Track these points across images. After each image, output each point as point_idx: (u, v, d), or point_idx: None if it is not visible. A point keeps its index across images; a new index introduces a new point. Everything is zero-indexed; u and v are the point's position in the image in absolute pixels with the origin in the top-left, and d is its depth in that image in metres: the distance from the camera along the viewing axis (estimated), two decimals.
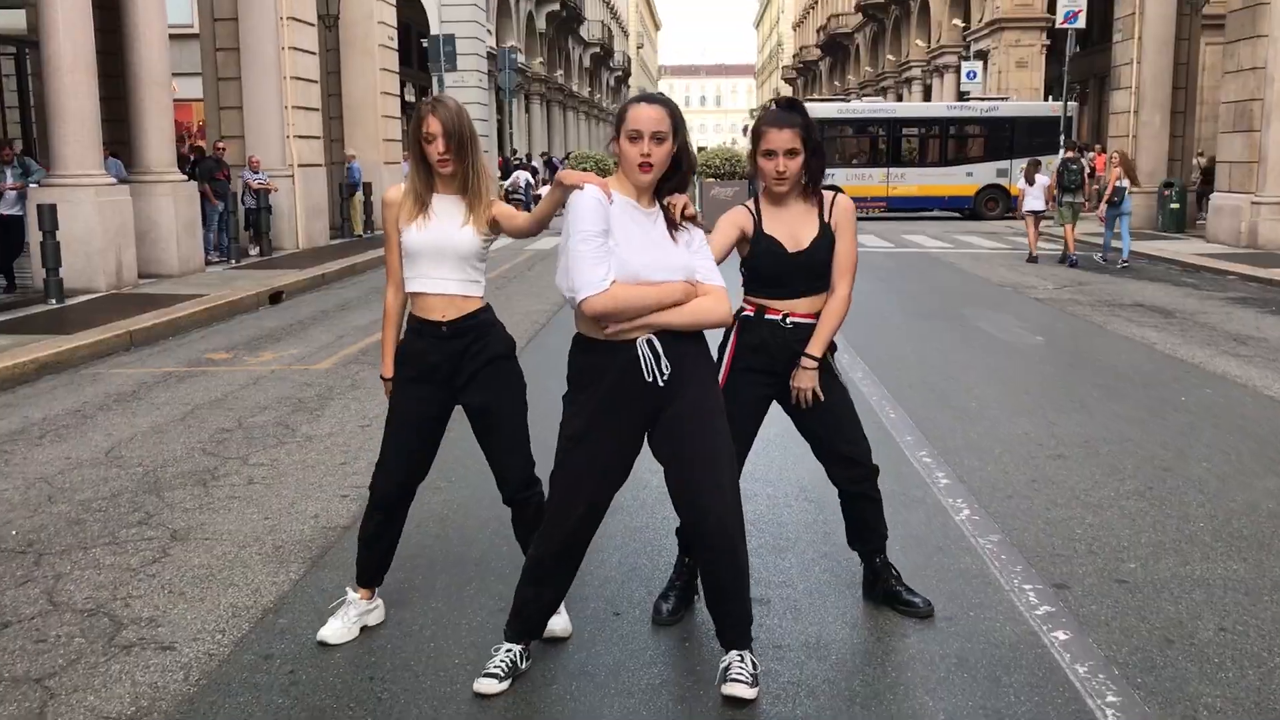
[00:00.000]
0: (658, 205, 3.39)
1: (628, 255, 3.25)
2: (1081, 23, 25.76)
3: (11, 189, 13.05)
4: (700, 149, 32.39)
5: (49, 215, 12.09)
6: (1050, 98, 37.97)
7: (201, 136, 21.29)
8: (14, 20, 21.39)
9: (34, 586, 4.49)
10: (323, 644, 3.87)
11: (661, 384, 3.29)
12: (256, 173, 17.63)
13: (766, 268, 3.83)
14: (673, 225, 3.36)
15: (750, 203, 3.93)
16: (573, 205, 3.28)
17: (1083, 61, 37.45)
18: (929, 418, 7.12)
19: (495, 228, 3.80)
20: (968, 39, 40.28)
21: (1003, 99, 31.89)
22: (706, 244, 3.45)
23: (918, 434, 6.70)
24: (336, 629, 3.91)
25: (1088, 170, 20.61)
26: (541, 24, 48.00)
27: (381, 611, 4.06)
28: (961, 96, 35.26)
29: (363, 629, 3.97)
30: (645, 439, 3.45)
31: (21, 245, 13.47)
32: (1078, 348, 10.10)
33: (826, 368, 3.88)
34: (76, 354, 9.69)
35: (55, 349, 9.53)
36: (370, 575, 4.03)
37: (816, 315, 3.84)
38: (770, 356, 3.86)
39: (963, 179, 29.54)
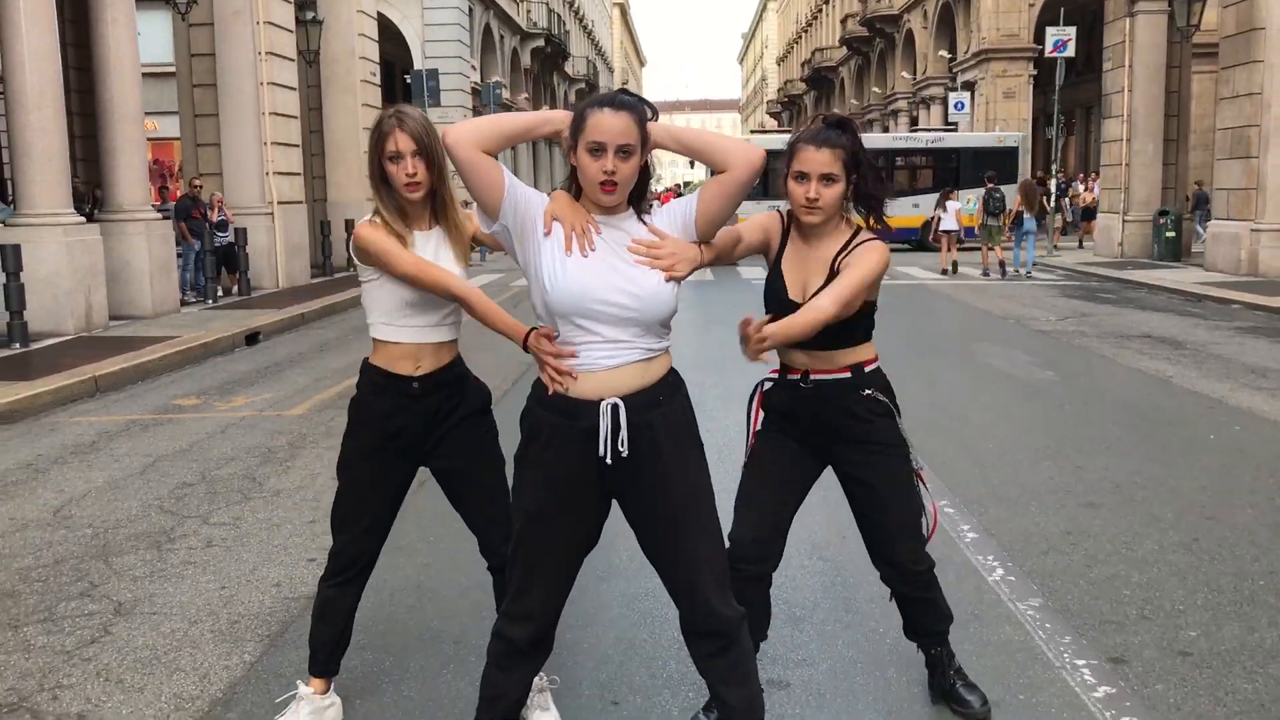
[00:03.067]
0: (629, 211, 2.82)
1: (578, 273, 2.69)
2: (1070, 51, 25.52)
3: None
4: (686, 184, 32.08)
5: (13, 255, 11.59)
6: (1038, 127, 37.89)
7: (177, 178, 20.85)
8: None
9: None
10: None
11: (609, 461, 2.71)
12: (217, 209, 17.06)
13: (769, 307, 3.26)
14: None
15: (787, 215, 3.33)
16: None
17: (1069, 92, 37.35)
18: (947, 463, 6.63)
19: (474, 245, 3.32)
20: (954, 70, 40.16)
21: (949, 129, 31.79)
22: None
23: (937, 482, 6.18)
24: None
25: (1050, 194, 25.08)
26: (526, 59, 47.82)
27: (339, 710, 3.49)
28: (951, 127, 35.09)
29: None
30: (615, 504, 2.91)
31: None
32: (1092, 383, 9.64)
33: (891, 441, 3.28)
34: (37, 401, 9.14)
35: (13, 396, 8.99)
36: (325, 657, 3.44)
37: (844, 369, 3.24)
38: (799, 425, 3.30)
39: (909, 210, 29.31)
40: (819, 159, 3.07)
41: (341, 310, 16.55)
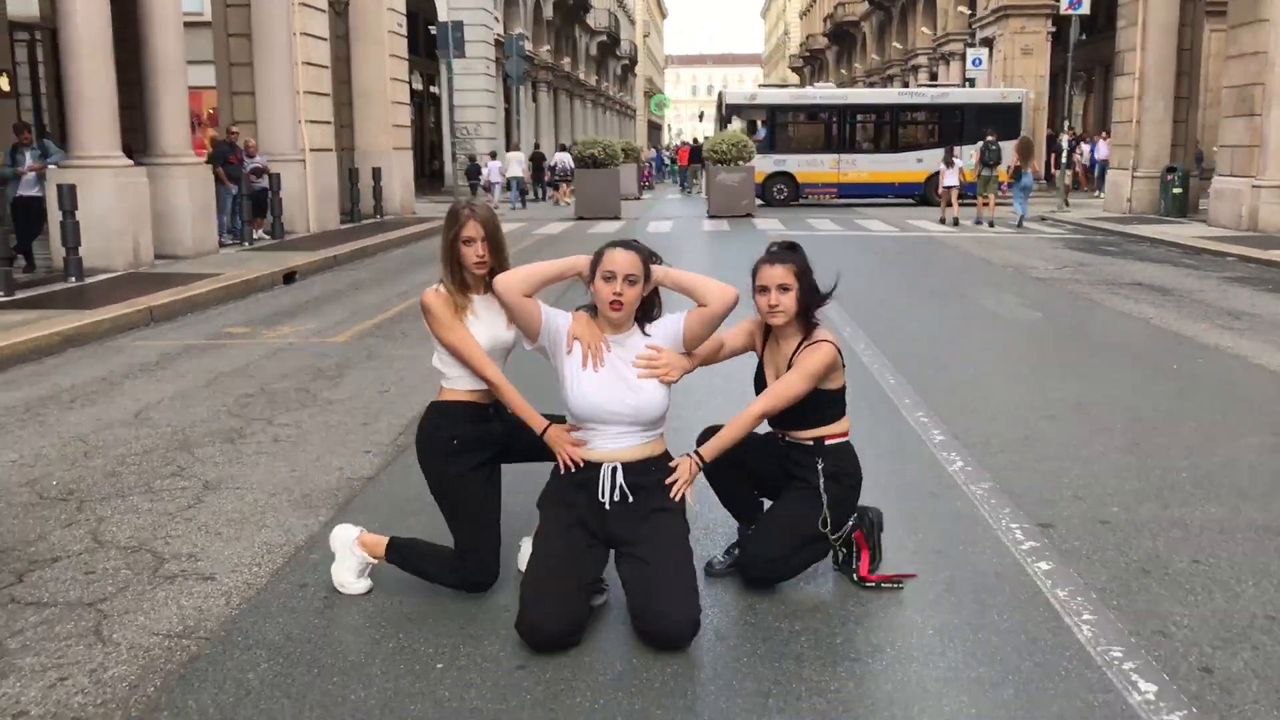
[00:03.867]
0: (634, 328, 3.74)
1: (589, 386, 3.62)
2: (1086, 8, 25.86)
3: (31, 170, 13.31)
4: (706, 137, 32.58)
5: (69, 195, 12.35)
6: (1057, 84, 38.13)
7: (213, 123, 21.52)
8: (28, 8, 21.68)
9: (79, 528, 4.77)
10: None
11: (608, 506, 3.60)
12: (252, 157, 17.79)
13: (756, 389, 4.08)
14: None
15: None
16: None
17: (1089, 49, 37.59)
18: (928, 384, 7.37)
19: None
20: (974, 26, 40.40)
21: (954, 86, 32.25)
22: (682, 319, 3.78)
23: (915, 397, 6.95)
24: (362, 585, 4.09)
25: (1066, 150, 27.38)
26: (549, 12, 48.16)
27: (368, 578, 4.10)
28: (969, 84, 35.47)
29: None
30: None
31: (41, 226, 13.73)
32: (1075, 322, 10.35)
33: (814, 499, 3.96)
34: (99, 327, 9.97)
35: (78, 322, 9.82)
36: (393, 553, 4.04)
37: (813, 440, 3.98)
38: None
39: (913, 165, 29.90)
40: (774, 273, 3.88)
41: (371, 254, 17.33)
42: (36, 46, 22.40)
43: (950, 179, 23.36)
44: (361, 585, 4.04)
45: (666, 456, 3.77)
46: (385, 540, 4.05)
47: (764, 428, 4.06)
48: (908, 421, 6.35)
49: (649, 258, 3.70)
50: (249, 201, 17.58)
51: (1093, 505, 4.88)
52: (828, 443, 3.98)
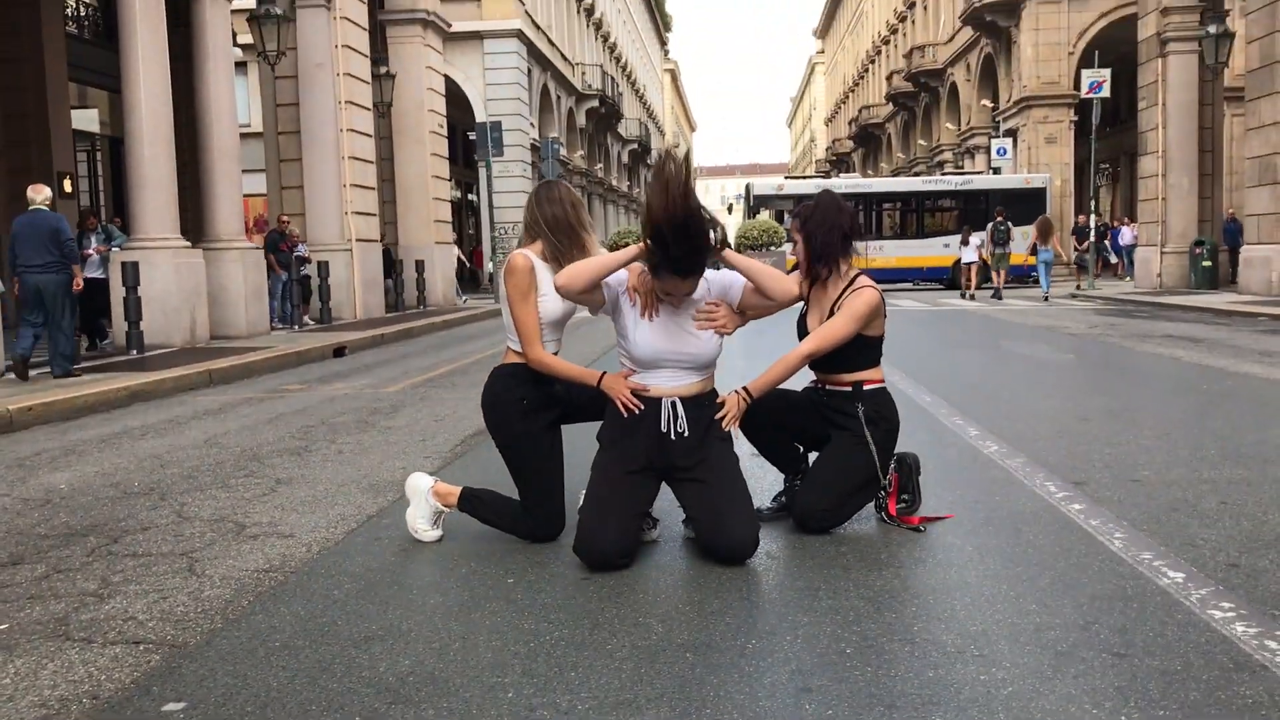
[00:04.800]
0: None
1: (648, 337, 3.89)
2: (1106, 92, 26.51)
3: (96, 252, 13.96)
4: (740, 237, 33.29)
5: (131, 272, 12.94)
6: (1083, 173, 38.65)
7: (260, 229, 22.37)
8: (88, 121, 22.93)
9: (164, 509, 5.09)
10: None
11: (673, 437, 3.85)
12: (294, 246, 18.47)
13: (799, 334, 4.38)
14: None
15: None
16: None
17: (1112, 140, 38.23)
18: (964, 402, 7.60)
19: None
20: (997, 118, 41.22)
21: (978, 173, 32.97)
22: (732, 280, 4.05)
23: (950, 408, 7.19)
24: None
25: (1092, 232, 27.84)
26: (582, 120, 49.60)
27: (439, 527, 4.39)
28: (994, 173, 36.09)
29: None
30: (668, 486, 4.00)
31: (105, 306, 14.32)
32: (1107, 360, 10.57)
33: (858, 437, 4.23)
34: (163, 385, 10.40)
35: (143, 379, 10.27)
36: (468, 498, 4.33)
37: (852, 385, 4.25)
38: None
39: (940, 250, 30.39)
40: (792, 223, 4.33)
41: (416, 335, 17.82)
42: (96, 155, 23.61)
43: (968, 255, 25.55)
44: (434, 534, 4.31)
45: (715, 393, 4.04)
46: (459, 490, 4.34)
47: (798, 383, 4.33)
48: (944, 424, 6.59)
49: (711, 227, 3.83)
50: (298, 287, 18.20)
51: (1124, 470, 5.10)
52: (866, 387, 4.24)
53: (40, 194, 10.97)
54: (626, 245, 4.19)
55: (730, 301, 4.02)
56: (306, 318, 18.69)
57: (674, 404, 3.88)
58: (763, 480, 4.87)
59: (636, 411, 3.91)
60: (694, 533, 3.97)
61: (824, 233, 4.22)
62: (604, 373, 4.11)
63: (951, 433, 6.28)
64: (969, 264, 25.58)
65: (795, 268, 4.43)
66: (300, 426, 7.72)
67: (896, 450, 4.34)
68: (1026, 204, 29.28)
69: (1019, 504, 4.46)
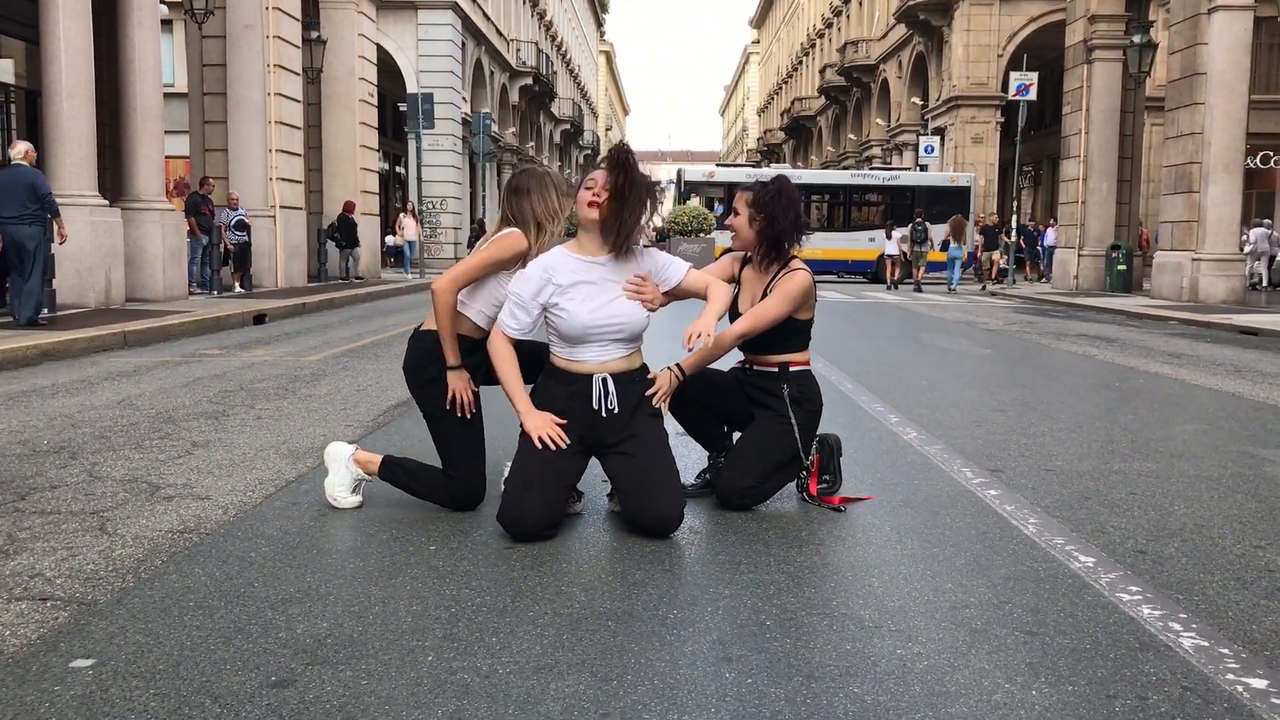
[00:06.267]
0: (628, 255, 3.89)
1: (575, 308, 3.80)
2: (1032, 95, 27.03)
3: None
4: (670, 222, 33.35)
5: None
6: (1007, 174, 39.40)
7: (181, 192, 21.85)
8: (4, 72, 22.15)
9: (74, 469, 4.96)
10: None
11: (604, 415, 3.83)
12: (235, 209, 18.11)
13: (732, 317, 4.40)
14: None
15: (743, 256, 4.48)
16: (523, 272, 3.91)
17: (1036, 144, 38.95)
18: (884, 390, 7.72)
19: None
20: (926, 116, 41.78)
21: (905, 169, 33.57)
22: (676, 264, 4.03)
23: (871, 395, 7.30)
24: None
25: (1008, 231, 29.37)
26: (515, 97, 49.21)
27: (360, 492, 4.36)
28: (921, 170, 36.62)
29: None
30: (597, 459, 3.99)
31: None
32: (1023, 356, 10.79)
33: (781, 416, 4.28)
34: (75, 345, 10.12)
35: (55, 338, 9.98)
36: (387, 470, 4.29)
37: (778, 365, 4.31)
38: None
39: (865, 244, 30.89)
40: (738, 199, 4.29)
41: (339, 305, 17.58)
42: (10, 107, 22.79)
43: (891, 249, 28.11)
44: (353, 500, 4.26)
45: (646, 369, 4.04)
46: (379, 459, 4.29)
47: (725, 364, 4.36)
48: (865, 410, 6.68)
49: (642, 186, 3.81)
50: (228, 252, 17.85)
51: (1038, 459, 5.22)
52: (792, 369, 4.29)
53: (18, 150, 11.67)
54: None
55: (666, 280, 4.01)
56: (240, 285, 18.34)
57: (605, 380, 3.87)
58: (686, 458, 4.89)
59: (555, 448, 3.80)
60: (619, 506, 3.98)
61: (787, 215, 4.25)
62: (530, 410, 3.91)
63: (872, 419, 6.37)
64: (890, 256, 27.99)
65: (726, 252, 4.45)
66: (218, 391, 7.57)
67: (819, 432, 4.39)
68: (951, 201, 29.91)
69: (937, 488, 4.54)
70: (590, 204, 3.82)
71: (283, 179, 20.04)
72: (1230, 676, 2.55)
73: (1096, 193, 24.90)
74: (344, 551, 3.65)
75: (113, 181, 16.36)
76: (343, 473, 4.28)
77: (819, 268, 31.02)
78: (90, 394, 7.43)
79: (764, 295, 4.26)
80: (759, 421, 4.31)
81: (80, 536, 3.80)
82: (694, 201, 30.66)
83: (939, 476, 4.78)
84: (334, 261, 23.03)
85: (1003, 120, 37.56)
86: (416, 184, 31.40)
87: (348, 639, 2.80)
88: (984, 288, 26.48)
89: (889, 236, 28.22)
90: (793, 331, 4.29)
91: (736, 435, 4.47)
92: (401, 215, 30.18)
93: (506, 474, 4.10)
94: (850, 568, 3.45)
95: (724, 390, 4.39)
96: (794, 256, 4.31)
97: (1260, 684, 2.52)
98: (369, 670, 2.60)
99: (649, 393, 3.97)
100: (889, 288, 27.13)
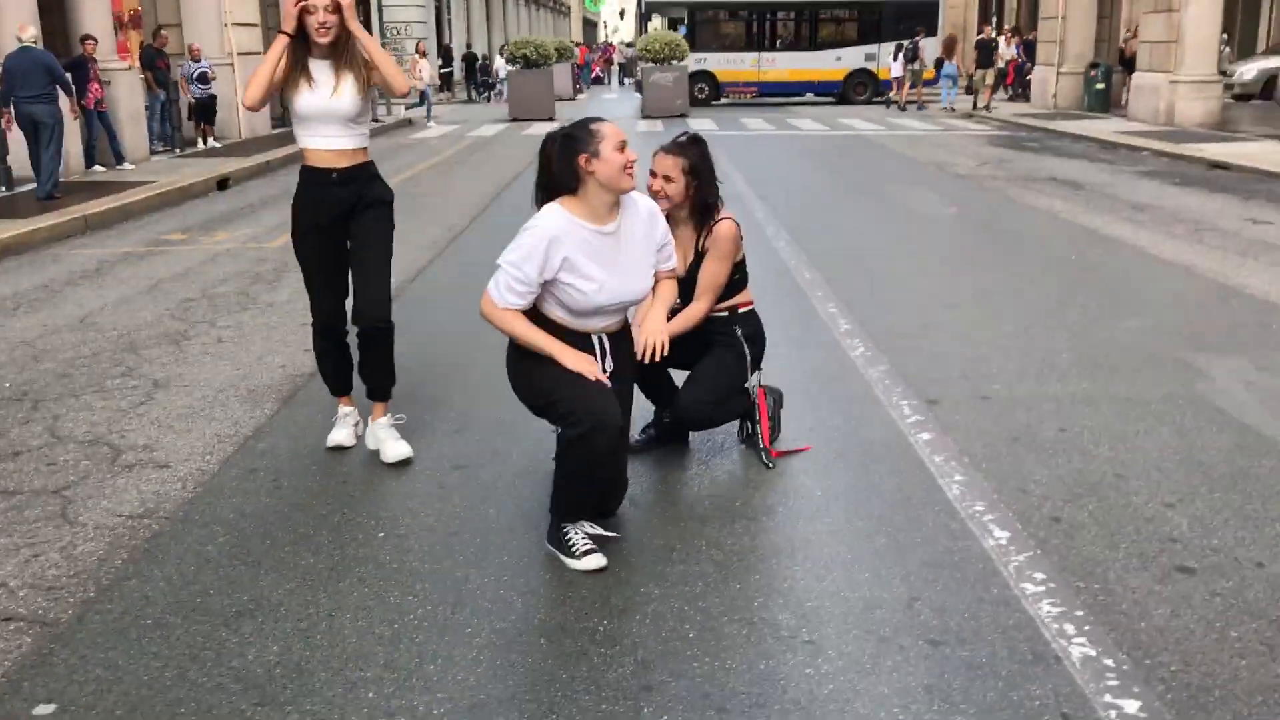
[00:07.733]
0: (625, 217, 3.65)
1: (588, 288, 3.54)
2: None
3: None
4: (642, 50, 32.44)
5: None
6: None
7: (135, 25, 21.10)
8: None
9: (36, 425, 5.08)
10: (336, 448, 4.65)
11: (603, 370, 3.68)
12: (198, 61, 17.63)
13: None
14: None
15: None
16: (524, 235, 3.56)
17: None
18: (841, 278, 7.81)
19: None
20: None
21: None
22: (672, 244, 3.90)
23: (828, 289, 7.39)
24: (341, 435, 4.69)
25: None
26: None
27: (356, 415, 4.78)
28: None
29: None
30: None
31: None
32: (987, 218, 10.82)
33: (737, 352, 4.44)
34: (35, 237, 10.07)
35: (14, 231, 9.92)
36: (337, 385, 4.73)
37: (728, 311, 4.40)
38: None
39: (832, 63, 30.24)
40: (665, 163, 4.19)
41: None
42: None
43: (896, 70, 28.14)
44: (402, 449, 4.53)
45: (628, 321, 3.89)
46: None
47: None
48: (819, 314, 6.79)
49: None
50: (190, 107, 17.49)
51: (977, 383, 5.37)
52: (740, 310, 4.45)
53: (26, 32, 12.13)
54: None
55: (655, 263, 3.80)
56: (206, 140, 18.00)
57: (602, 340, 3.69)
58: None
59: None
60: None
61: (712, 175, 4.28)
62: (566, 349, 3.61)
63: (824, 326, 6.49)
64: (897, 78, 28.07)
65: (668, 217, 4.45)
66: (180, 300, 7.62)
67: (767, 383, 4.54)
68: (921, 16, 29.16)
69: (871, 432, 4.70)
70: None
71: (238, 24, 19.41)
72: (1108, 698, 2.76)
73: (1077, 5, 24.30)
74: (296, 541, 3.81)
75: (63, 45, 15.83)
76: (380, 434, 4.58)
77: (785, 90, 30.48)
78: (52, 308, 7.48)
79: (696, 254, 4.30)
80: (715, 354, 4.43)
81: (43, 528, 3.94)
82: (655, 23, 29.89)
83: (876, 414, 4.94)
84: None
85: None
86: (377, 9, 30.40)
87: (296, 667, 2.99)
88: (975, 105, 26.00)
89: (894, 58, 28.16)
90: (734, 281, 4.39)
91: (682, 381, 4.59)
92: (416, 57, 27.11)
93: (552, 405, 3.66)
94: (775, 553, 3.63)
95: (680, 341, 4.48)
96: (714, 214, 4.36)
97: (1133, 706, 2.73)
98: (314, 711, 2.79)
99: (640, 346, 3.79)
100: (901, 108, 27.41)
